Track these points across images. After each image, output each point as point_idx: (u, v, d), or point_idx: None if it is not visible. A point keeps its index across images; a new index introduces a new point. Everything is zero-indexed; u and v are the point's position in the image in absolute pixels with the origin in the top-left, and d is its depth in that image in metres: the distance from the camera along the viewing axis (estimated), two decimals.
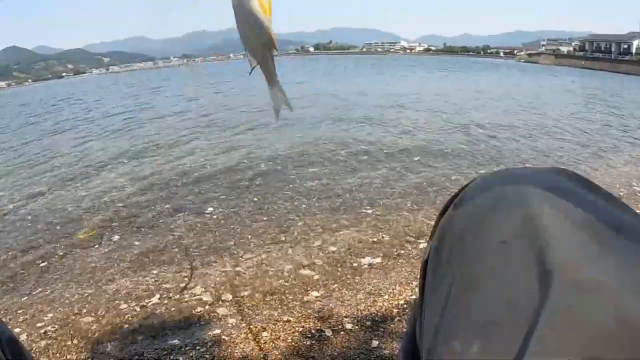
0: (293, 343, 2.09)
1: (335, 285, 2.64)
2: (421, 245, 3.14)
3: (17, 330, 2.36)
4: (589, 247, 0.45)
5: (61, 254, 3.30)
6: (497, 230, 0.52)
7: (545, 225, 0.48)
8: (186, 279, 2.79)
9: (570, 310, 0.41)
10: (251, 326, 2.24)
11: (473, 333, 0.49)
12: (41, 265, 3.14)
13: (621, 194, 4.22)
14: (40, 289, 2.81)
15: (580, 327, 0.40)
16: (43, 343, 2.25)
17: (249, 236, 3.38)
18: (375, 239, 3.27)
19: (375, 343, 2.07)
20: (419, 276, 0.70)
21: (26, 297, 2.72)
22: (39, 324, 2.42)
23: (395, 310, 2.37)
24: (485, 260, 0.51)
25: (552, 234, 0.47)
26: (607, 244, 0.46)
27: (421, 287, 0.68)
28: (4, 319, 2.35)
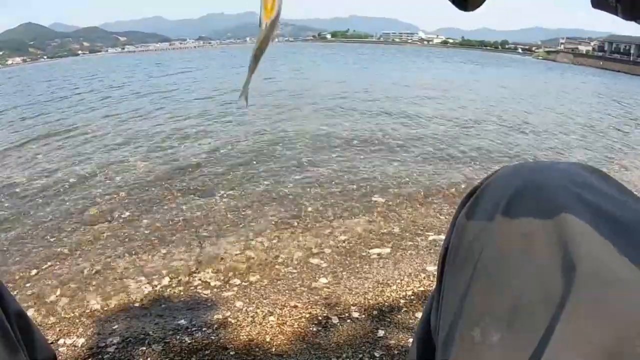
0: (299, 329, 2.08)
1: (343, 273, 2.63)
2: (430, 238, 3.13)
3: (25, 304, 2.37)
4: (612, 241, 0.44)
5: (70, 229, 3.31)
6: (520, 222, 0.51)
7: (569, 219, 0.47)
8: (195, 260, 2.79)
9: (594, 303, 0.40)
10: (258, 310, 2.23)
11: (494, 323, 0.48)
12: (51, 239, 3.15)
13: None
14: (49, 263, 2.82)
15: (602, 321, 0.39)
16: (52, 319, 2.26)
17: (260, 220, 3.38)
18: (385, 230, 3.25)
19: (381, 333, 2.06)
20: (437, 265, 0.69)
21: (35, 271, 2.73)
22: (47, 299, 2.43)
23: (402, 302, 2.35)
24: (508, 251, 0.50)
25: (575, 227, 0.46)
26: (629, 238, 0.44)
27: (439, 276, 0.67)
28: (12, 292, 2.37)
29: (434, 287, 0.72)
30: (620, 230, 0.45)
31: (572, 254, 0.43)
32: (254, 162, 4.82)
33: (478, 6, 0.44)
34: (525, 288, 0.45)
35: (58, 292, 2.50)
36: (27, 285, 2.59)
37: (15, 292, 2.49)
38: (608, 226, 0.45)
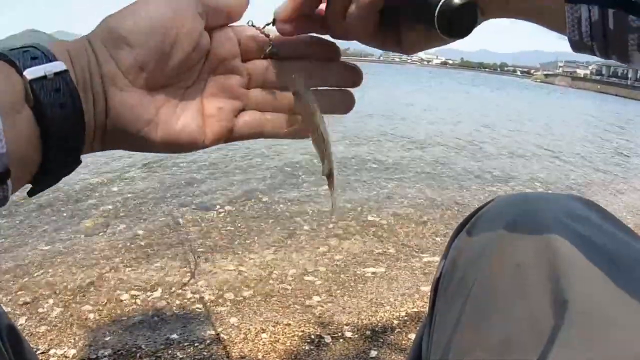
0: (291, 347, 2.08)
1: (337, 292, 2.64)
2: (425, 259, 3.14)
3: (17, 312, 2.36)
4: (605, 278, 0.44)
5: (65, 239, 3.31)
6: (513, 254, 0.52)
7: (562, 253, 0.47)
8: (189, 274, 2.79)
9: (584, 341, 0.41)
10: (251, 327, 2.23)
11: (484, 355, 0.49)
12: (45, 248, 3.14)
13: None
14: (42, 271, 2.82)
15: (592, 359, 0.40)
16: (42, 328, 2.25)
17: (255, 237, 3.38)
18: (380, 249, 3.26)
19: (374, 353, 2.06)
20: (429, 293, 0.70)
21: (28, 279, 2.72)
22: (39, 309, 2.42)
23: (395, 322, 2.36)
24: (500, 282, 0.51)
25: (568, 262, 0.46)
26: (623, 274, 0.45)
27: (431, 304, 0.68)
28: (4, 300, 2.37)
29: (426, 310, 0.73)
30: (614, 267, 0.46)
31: (564, 290, 0.44)
32: (251, 179, 4.83)
33: (463, 35, 0.44)
34: (517, 321, 0.46)
35: (51, 302, 2.49)
36: (20, 293, 2.57)
37: (7, 300, 2.48)
38: (602, 262, 0.46)
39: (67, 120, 0.42)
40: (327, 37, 0.57)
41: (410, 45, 0.54)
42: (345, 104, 0.59)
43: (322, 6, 0.53)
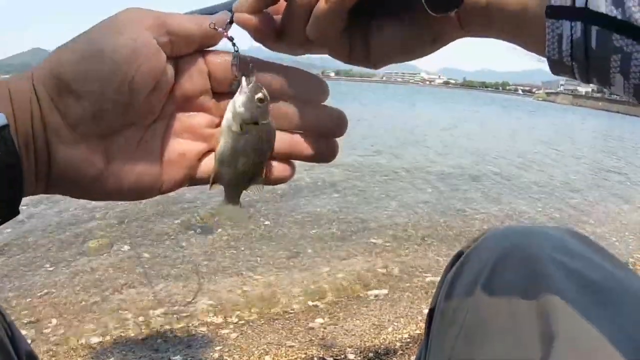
0: None
1: (340, 314, 2.64)
2: (428, 279, 3.14)
3: (23, 332, 2.37)
4: (593, 312, 0.46)
5: (70, 259, 3.32)
6: (504, 289, 0.54)
7: (551, 288, 0.50)
8: (193, 295, 2.80)
9: None
10: (254, 349, 2.24)
11: None
12: (50, 268, 3.16)
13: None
14: (46, 291, 2.83)
15: None
16: (46, 348, 2.26)
17: (258, 258, 3.39)
18: (383, 271, 3.27)
19: None
20: (424, 324, 0.72)
21: (33, 299, 2.74)
22: (44, 329, 2.44)
23: (398, 344, 2.36)
24: (492, 315, 0.53)
25: (557, 296, 0.48)
26: (611, 308, 0.47)
27: (426, 335, 0.70)
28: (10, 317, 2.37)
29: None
30: (602, 300, 0.48)
31: (552, 324, 0.46)
32: (254, 201, 4.85)
33: (449, 8, 0.40)
34: (507, 354, 0.48)
35: (55, 322, 2.50)
36: (24, 312, 2.59)
37: (13, 319, 2.49)
38: (590, 295, 0.48)
39: (2, 176, 0.38)
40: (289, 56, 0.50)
41: (379, 55, 0.47)
42: (324, 155, 0.50)
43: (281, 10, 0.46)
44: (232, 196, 0.50)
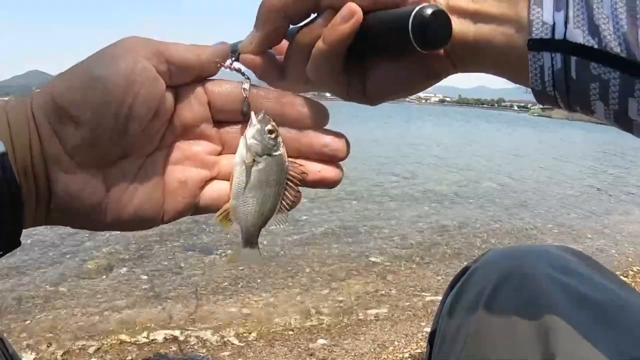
0: None
1: (341, 335, 2.63)
2: (427, 298, 3.13)
3: (23, 355, 2.35)
4: (592, 330, 0.47)
5: (68, 280, 3.31)
6: (504, 310, 0.55)
7: (551, 308, 0.50)
8: (192, 317, 2.78)
9: None
10: None
11: None
12: (49, 289, 3.15)
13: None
14: (44, 313, 2.82)
15: None
16: None
17: (258, 280, 3.38)
18: (382, 290, 3.26)
19: None
20: (426, 344, 0.72)
21: (29, 321, 2.72)
22: (42, 352, 2.42)
23: None
24: (492, 336, 0.54)
25: (556, 314, 0.49)
26: (608, 326, 0.48)
27: (428, 356, 0.71)
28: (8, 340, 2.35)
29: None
30: (601, 318, 0.49)
31: (552, 344, 0.47)
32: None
33: (439, 46, 0.42)
34: None
35: (54, 345, 2.48)
36: (22, 335, 2.57)
37: (10, 342, 2.47)
38: (589, 314, 0.49)
39: (1, 207, 0.38)
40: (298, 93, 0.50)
41: (375, 93, 0.49)
42: (328, 180, 0.50)
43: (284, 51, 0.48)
44: (251, 235, 0.50)
